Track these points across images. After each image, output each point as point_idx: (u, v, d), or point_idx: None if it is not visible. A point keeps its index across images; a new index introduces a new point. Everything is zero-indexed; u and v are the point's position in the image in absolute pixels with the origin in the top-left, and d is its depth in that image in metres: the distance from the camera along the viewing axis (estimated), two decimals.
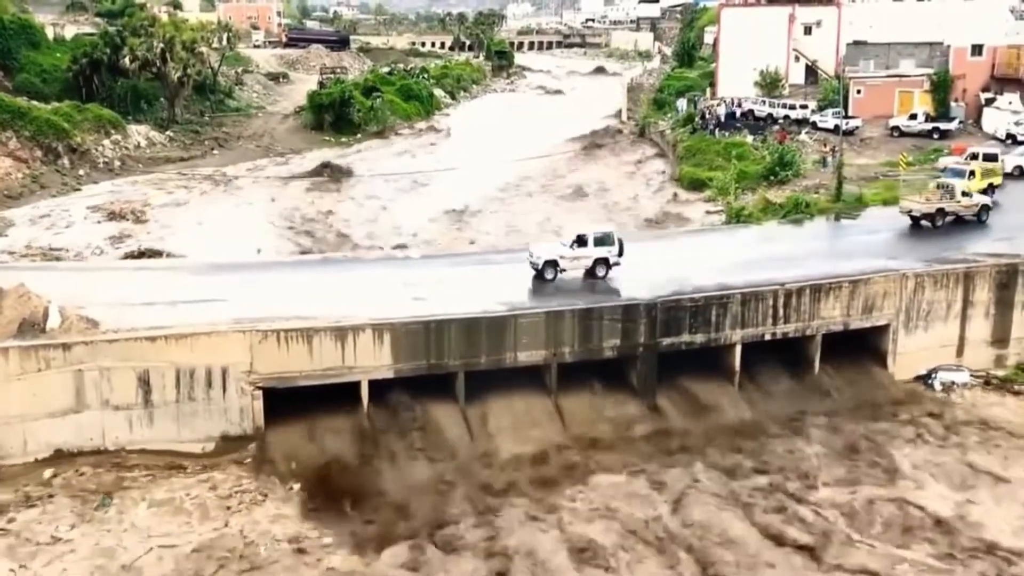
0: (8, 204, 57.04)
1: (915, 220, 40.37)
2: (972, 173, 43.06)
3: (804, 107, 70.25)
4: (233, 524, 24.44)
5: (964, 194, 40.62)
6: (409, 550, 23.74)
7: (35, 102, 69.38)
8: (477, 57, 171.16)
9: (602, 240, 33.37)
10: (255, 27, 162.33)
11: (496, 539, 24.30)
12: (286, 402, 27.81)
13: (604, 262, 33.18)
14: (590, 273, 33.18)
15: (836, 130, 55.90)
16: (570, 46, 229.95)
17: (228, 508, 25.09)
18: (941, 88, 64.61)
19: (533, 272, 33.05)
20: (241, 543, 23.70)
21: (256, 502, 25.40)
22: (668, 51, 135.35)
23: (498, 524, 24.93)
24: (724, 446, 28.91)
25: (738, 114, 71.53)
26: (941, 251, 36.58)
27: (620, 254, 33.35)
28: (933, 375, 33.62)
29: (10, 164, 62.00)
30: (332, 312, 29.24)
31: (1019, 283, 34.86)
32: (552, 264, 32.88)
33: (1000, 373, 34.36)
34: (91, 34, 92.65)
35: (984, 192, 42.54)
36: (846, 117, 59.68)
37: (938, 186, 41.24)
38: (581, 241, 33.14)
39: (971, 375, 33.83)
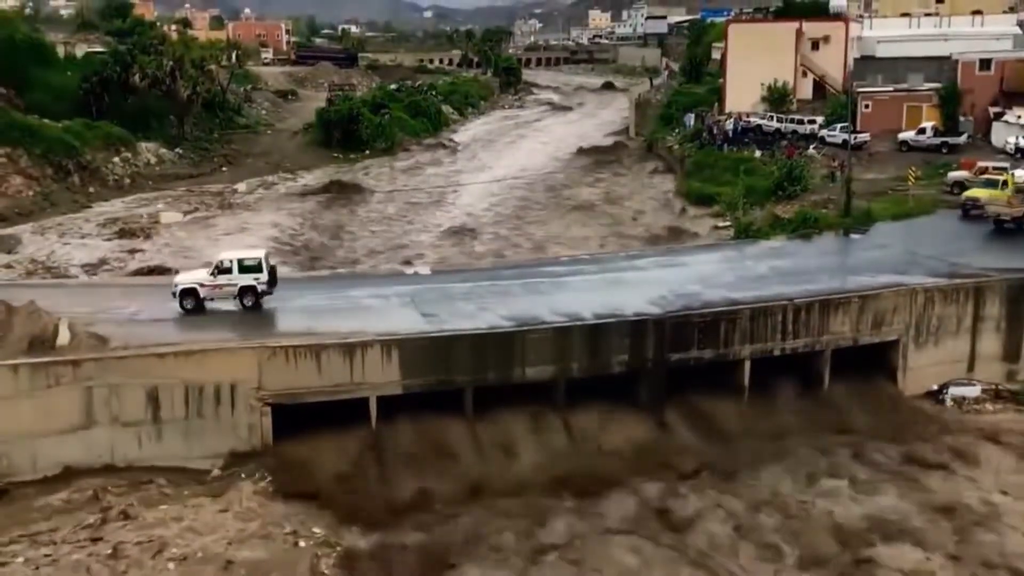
0: (19, 221, 57.30)
1: (999, 224, 41.91)
2: (1005, 183, 43.85)
3: (812, 122, 70.25)
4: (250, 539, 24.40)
5: None
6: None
7: (46, 120, 69.71)
8: (485, 74, 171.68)
9: (248, 267, 31.31)
10: (264, 45, 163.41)
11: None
12: (295, 418, 27.78)
13: (251, 291, 31.15)
14: (241, 302, 31.25)
15: (844, 145, 55.80)
16: (577, 62, 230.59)
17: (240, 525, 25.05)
18: (949, 102, 64.45)
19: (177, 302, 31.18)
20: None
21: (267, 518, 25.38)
22: (676, 67, 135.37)
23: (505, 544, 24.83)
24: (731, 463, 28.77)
25: (740, 129, 71.62)
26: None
27: (272, 283, 31.59)
28: (944, 390, 33.42)
29: (21, 181, 62.31)
30: (339, 327, 29.28)
31: None
32: (190, 293, 30.99)
33: (1012, 388, 34.09)
34: (101, 53, 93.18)
35: None
36: (854, 132, 59.61)
37: (1017, 191, 42.58)
38: (224, 268, 31.29)
39: (983, 390, 33.60)
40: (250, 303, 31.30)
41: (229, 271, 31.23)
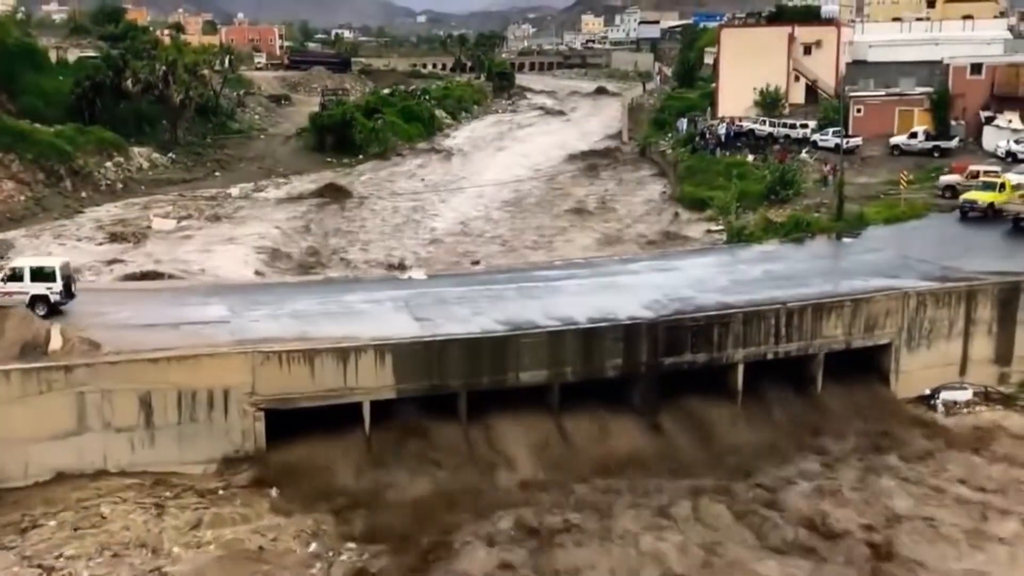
0: (10, 227, 57.13)
1: (1016, 222, 42.64)
2: (1002, 186, 44.32)
3: (804, 126, 70.44)
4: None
5: None
6: None
7: (38, 125, 69.62)
8: (478, 78, 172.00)
9: (41, 275, 30.25)
10: (257, 49, 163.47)
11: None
12: (288, 423, 27.74)
13: (43, 300, 29.85)
14: (33, 311, 29.51)
15: (836, 149, 56.00)
16: (571, 67, 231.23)
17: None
18: (941, 107, 64.74)
19: None
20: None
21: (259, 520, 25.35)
22: (668, 71, 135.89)
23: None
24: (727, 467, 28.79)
25: (733, 134, 71.79)
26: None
27: (68, 293, 30.66)
28: (936, 394, 33.50)
29: (13, 187, 62.20)
30: (334, 332, 29.22)
31: (1021, 301, 34.81)
32: None
33: (1004, 391, 34.17)
34: (94, 57, 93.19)
35: None
36: (846, 136, 59.81)
37: None
38: (15, 275, 30.20)
39: (974, 394, 33.67)
40: (43, 312, 29.71)
41: (20, 279, 30.15)
